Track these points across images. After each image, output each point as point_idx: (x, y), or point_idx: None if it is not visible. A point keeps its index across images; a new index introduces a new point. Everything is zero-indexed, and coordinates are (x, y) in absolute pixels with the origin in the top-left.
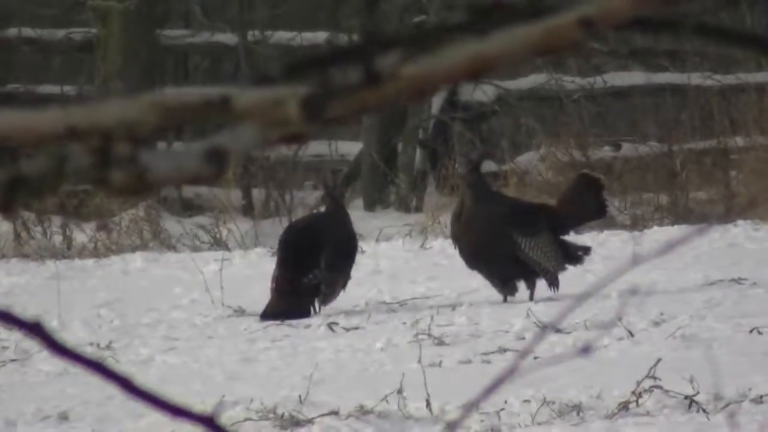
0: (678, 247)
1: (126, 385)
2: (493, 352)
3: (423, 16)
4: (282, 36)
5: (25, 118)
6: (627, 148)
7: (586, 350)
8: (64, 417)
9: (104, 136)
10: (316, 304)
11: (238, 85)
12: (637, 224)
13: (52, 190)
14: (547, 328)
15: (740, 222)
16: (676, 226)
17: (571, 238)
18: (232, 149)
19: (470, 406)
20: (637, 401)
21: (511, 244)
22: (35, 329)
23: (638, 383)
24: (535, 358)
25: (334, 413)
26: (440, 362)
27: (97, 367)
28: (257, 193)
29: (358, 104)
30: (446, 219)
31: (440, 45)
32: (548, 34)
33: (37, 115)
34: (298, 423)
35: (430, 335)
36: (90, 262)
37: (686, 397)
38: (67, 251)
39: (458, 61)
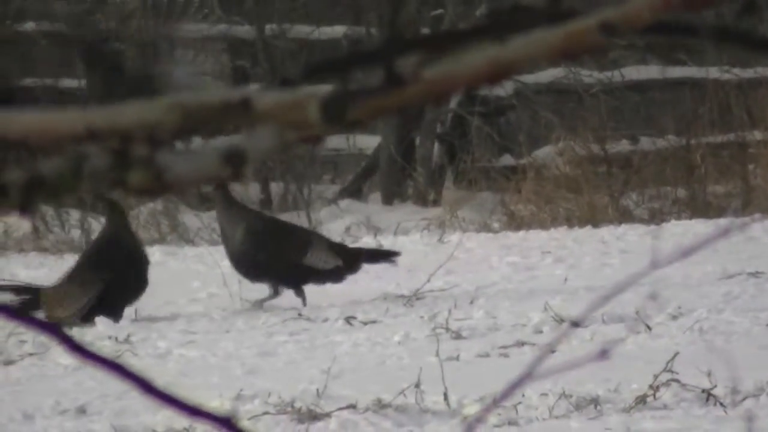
0: (700, 248)
1: (144, 385)
2: (510, 346)
3: (441, 10)
4: (300, 30)
5: (44, 118)
6: (645, 142)
7: (604, 353)
8: (82, 410)
9: (123, 137)
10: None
11: (259, 86)
12: (654, 218)
13: (69, 191)
14: (566, 323)
15: (758, 216)
16: (694, 220)
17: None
18: (251, 150)
19: (490, 405)
20: (654, 395)
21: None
22: (53, 329)
23: (656, 377)
24: (553, 352)
25: (352, 407)
26: (458, 356)
27: (116, 367)
28: (275, 187)
29: (379, 106)
30: (464, 213)
31: (461, 48)
32: (569, 37)
33: (56, 115)
34: (316, 416)
35: (447, 329)
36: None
37: (704, 391)
38: (85, 245)
39: (480, 64)
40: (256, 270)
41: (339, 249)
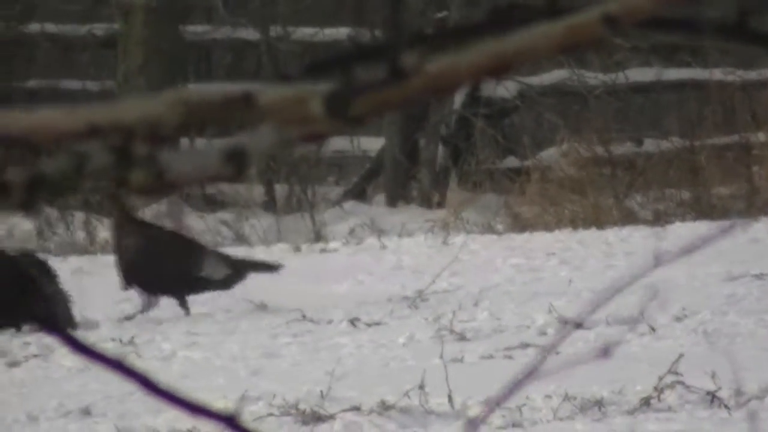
0: (702, 246)
1: (146, 383)
2: (515, 348)
3: (445, 12)
4: (304, 32)
5: (46, 116)
6: (649, 144)
7: (606, 351)
8: (86, 412)
9: (126, 134)
10: None
11: (261, 82)
12: (659, 219)
13: (72, 190)
14: (569, 324)
15: (762, 218)
16: (698, 222)
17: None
18: (253, 149)
19: (492, 404)
20: (658, 397)
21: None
22: (57, 330)
23: (660, 379)
24: (557, 353)
25: (356, 408)
26: (462, 357)
27: (118, 365)
28: (279, 189)
29: (382, 101)
30: (468, 215)
31: (463, 42)
32: (571, 31)
33: (58, 113)
34: (320, 418)
35: (452, 330)
36: (113, 257)
37: (708, 393)
38: (90, 247)
39: (482, 57)
40: (150, 284)
41: (226, 259)
